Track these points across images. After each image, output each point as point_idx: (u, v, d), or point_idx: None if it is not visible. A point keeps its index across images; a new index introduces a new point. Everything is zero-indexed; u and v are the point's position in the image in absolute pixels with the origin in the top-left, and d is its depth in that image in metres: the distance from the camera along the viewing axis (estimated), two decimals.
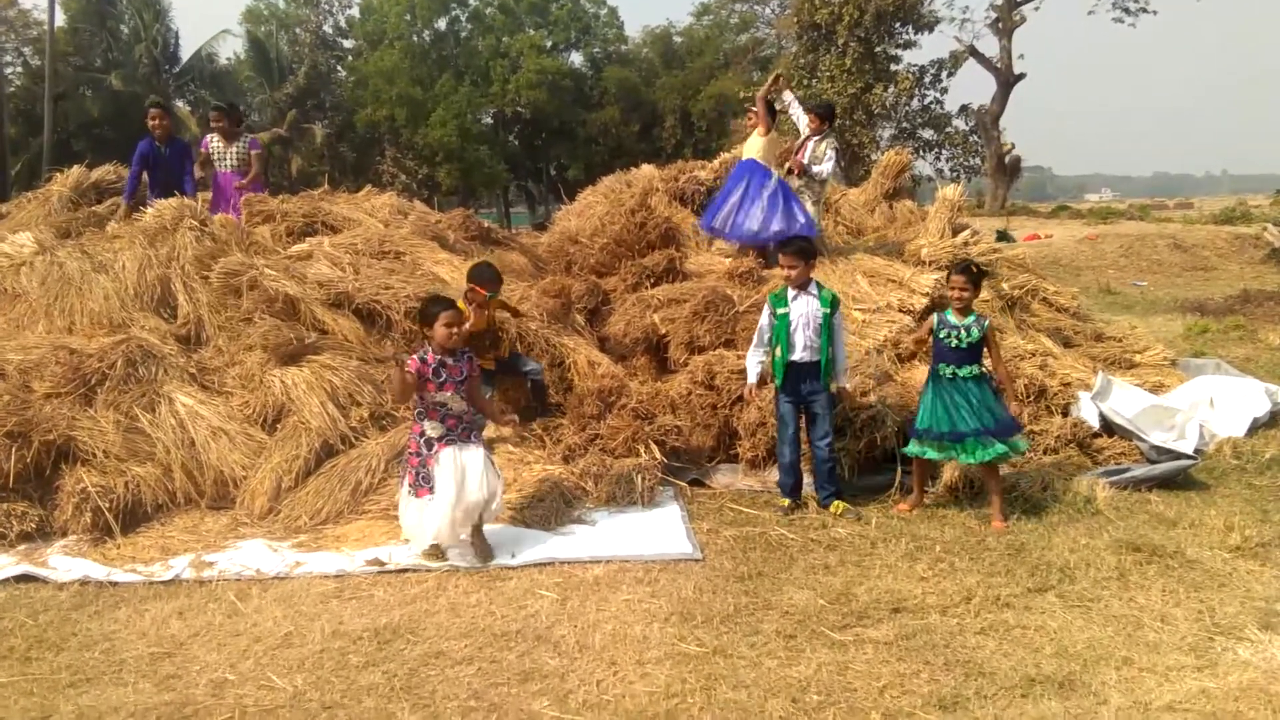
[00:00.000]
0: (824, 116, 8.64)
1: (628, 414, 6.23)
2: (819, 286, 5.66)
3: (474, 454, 4.87)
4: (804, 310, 5.54)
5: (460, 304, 6.09)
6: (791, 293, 5.60)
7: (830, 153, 8.48)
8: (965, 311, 5.44)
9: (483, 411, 5.28)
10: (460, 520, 4.83)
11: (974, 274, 5.48)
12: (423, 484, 4.83)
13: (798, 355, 5.56)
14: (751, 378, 5.83)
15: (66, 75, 33.91)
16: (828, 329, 5.53)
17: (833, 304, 5.60)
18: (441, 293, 6.20)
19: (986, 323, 5.42)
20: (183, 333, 6.78)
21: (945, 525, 5.36)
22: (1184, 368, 8.52)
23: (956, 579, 4.57)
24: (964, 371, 5.39)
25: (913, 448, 5.54)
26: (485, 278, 6.29)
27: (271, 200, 8.63)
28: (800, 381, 5.58)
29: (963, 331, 5.38)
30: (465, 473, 4.79)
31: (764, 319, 5.71)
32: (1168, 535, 5.07)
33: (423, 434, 4.87)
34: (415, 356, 4.86)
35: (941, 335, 5.45)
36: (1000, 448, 5.32)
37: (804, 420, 5.72)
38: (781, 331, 5.56)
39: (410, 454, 4.95)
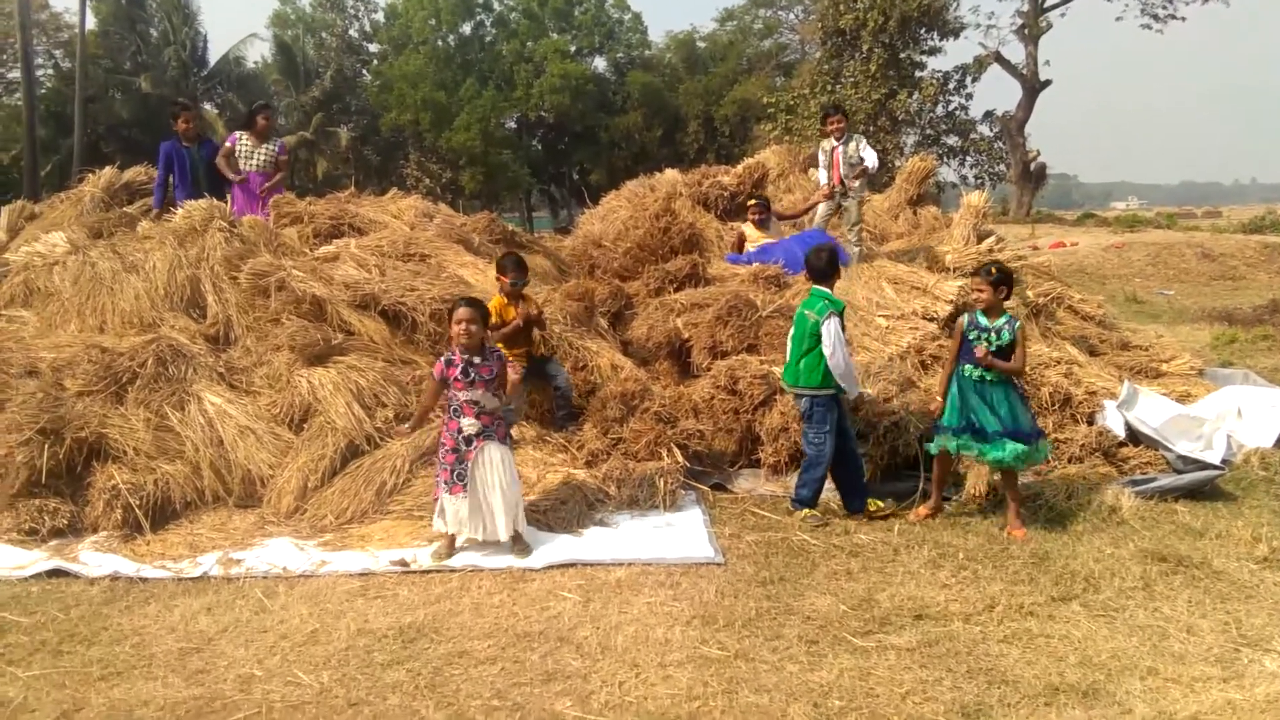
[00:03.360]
0: (845, 112, 9.01)
1: (650, 418, 6.25)
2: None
3: (507, 453, 5.04)
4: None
5: (497, 299, 6.21)
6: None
7: (865, 147, 8.81)
8: (996, 313, 5.41)
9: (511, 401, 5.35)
10: (490, 516, 4.95)
11: (993, 276, 5.39)
12: (457, 481, 4.93)
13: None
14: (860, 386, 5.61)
15: (96, 78, 34.35)
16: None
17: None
18: (467, 294, 6.29)
19: (1018, 325, 5.37)
20: (211, 332, 6.87)
21: (968, 533, 5.34)
22: (1211, 377, 8.44)
23: (980, 587, 4.56)
24: (990, 374, 5.36)
25: (935, 444, 5.52)
26: (506, 266, 6.41)
27: (299, 202, 8.72)
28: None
29: (993, 334, 5.35)
30: (501, 470, 4.95)
31: (840, 327, 5.49)
32: (1194, 546, 5.03)
33: (459, 431, 4.96)
34: (441, 359, 4.96)
35: (971, 336, 5.40)
36: (1020, 448, 5.25)
37: None
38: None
39: (446, 450, 5.02)
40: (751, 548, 5.15)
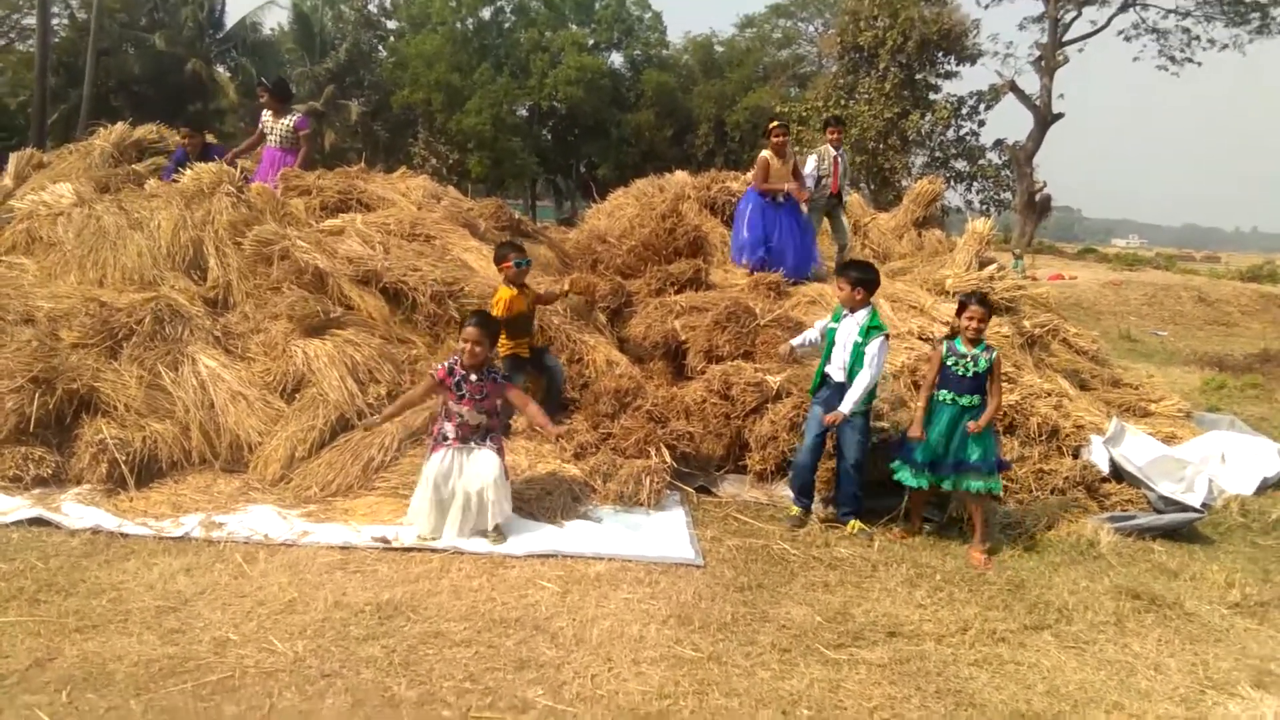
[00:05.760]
0: (844, 125, 9.72)
1: (642, 416, 6.28)
2: (872, 315, 5.63)
3: (475, 455, 5.05)
4: (848, 331, 5.61)
5: (504, 290, 6.16)
6: (844, 311, 5.70)
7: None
8: (975, 342, 5.46)
9: (531, 417, 5.45)
10: (435, 514, 4.98)
11: (990, 305, 5.52)
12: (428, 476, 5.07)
13: (831, 369, 5.70)
14: (792, 341, 6.20)
15: (111, 31, 34.17)
16: (856, 356, 5.55)
17: (866, 334, 5.53)
18: (470, 279, 6.29)
19: (994, 354, 5.42)
20: (211, 296, 6.88)
21: (947, 555, 5.38)
22: (1198, 421, 8.51)
23: (954, 609, 4.60)
24: (964, 400, 5.41)
25: (902, 475, 5.56)
26: (507, 251, 6.31)
27: (308, 174, 8.71)
28: (831, 396, 5.64)
29: (969, 361, 5.41)
30: (452, 472, 5.00)
31: (823, 321, 5.97)
32: (1168, 586, 5.08)
33: (441, 432, 5.11)
34: (444, 365, 5.09)
35: (949, 363, 5.46)
36: (978, 484, 5.36)
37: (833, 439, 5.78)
38: (829, 342, 5.73)
39: (432, 440, 5.20)
40: (732, 552, 5.18)
